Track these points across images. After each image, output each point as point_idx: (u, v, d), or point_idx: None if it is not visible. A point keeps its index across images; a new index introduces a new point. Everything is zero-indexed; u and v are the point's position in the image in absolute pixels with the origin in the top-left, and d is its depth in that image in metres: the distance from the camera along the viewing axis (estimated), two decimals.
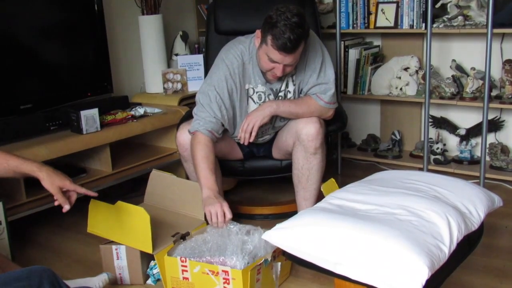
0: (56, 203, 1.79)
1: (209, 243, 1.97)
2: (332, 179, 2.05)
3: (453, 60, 3.19)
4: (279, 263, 2.01)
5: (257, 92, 2.30)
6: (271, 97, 2.31)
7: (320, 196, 2.02)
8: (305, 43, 2.13)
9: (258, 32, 2.15)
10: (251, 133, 2.27)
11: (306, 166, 2.32)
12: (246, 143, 2.31)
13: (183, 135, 2.34)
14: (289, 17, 2.01)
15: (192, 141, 2.25)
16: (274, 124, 2.39)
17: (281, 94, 2.32)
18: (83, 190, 1.82)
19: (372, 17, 3.29)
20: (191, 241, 2.03)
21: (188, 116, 2.57)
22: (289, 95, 2.33)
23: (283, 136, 2.41)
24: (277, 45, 2.04)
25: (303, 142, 2.27)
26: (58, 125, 2.71)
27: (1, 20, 2.57)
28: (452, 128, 3.29)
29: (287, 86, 2.31)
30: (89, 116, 2.64)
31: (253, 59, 2.26)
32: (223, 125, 2.28)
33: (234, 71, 2.24)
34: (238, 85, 2.26)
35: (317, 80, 2.28)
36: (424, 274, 1.37)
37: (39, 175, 1.75)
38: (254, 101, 2.31)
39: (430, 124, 3.22)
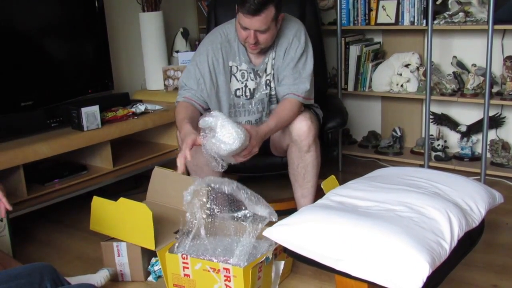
0: None
1: (213, 242, 1.96)
2: (333, 176, 2.04)
3: (454, 57, 3.18)
4: (282, 262, 2.00)
5: (240, 70, 2.33)
6: (252, 75, 2.33)
7: (319, 192, 2.02)
8: (277, 11, 2.15)
9: (237, 7, 2.21)
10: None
11: (301, 165, 2.31)
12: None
13: None
14: None
15: (175, 111, 2.29)
16: (263, 119, 2.37)
17: (260, 73, 2.33)
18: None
19: (373, 14, 3.28)
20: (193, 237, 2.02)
21: None
22: (264, 77, 2.33)
23: (278, 136, 2.39)
24: (243, 9, 2.11)
25: (296, 141, 2.26)
26: (59, 122, 2.71)
27: (1, 17, 2.57)
28: (453, 124, 3.28)
29: (266, 69, 2.33)
30: (90, 113, 2.64)
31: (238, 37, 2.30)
32: (203, 99, 2.30)
33: (216, 46, 2.30)
34: (220, 60, 2.30)
35: (292, 70, 2.28)
36: (425, 271, 1.37)
37: None
38: (237, 79, 2.34)
39: (431, 120, 3.21)
